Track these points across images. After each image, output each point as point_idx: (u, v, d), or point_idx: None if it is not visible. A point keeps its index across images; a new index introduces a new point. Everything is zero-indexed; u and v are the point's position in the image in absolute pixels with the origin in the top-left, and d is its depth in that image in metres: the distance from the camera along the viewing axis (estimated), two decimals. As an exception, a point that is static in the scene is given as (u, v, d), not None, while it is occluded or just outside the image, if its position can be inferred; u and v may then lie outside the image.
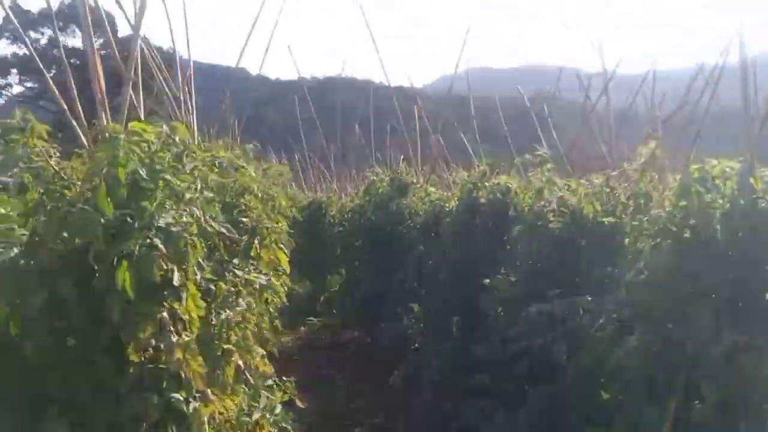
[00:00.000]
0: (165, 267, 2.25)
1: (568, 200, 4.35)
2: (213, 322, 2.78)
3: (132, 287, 2.13)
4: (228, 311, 2.86)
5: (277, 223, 3.64)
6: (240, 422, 2.72)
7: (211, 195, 2.74)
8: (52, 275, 2.14)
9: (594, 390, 3.40)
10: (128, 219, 2.24)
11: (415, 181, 7.66)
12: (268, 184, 7.11)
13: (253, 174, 3.53)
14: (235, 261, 3.04)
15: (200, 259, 2.53)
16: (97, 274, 2.20)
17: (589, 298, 3.68)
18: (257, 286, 3.16)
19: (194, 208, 2.37)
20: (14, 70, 49.65)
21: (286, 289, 6.63)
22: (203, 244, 2.66)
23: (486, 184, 5.64)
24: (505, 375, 4.48)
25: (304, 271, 12.82)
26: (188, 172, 2.46)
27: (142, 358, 2.38)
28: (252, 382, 3.00)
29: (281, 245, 3.70)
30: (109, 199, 2.16)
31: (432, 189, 6.93)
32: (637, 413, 2.95)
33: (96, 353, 2.30)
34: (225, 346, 2.82)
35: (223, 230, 2.68)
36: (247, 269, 3.23)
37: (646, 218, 3.09)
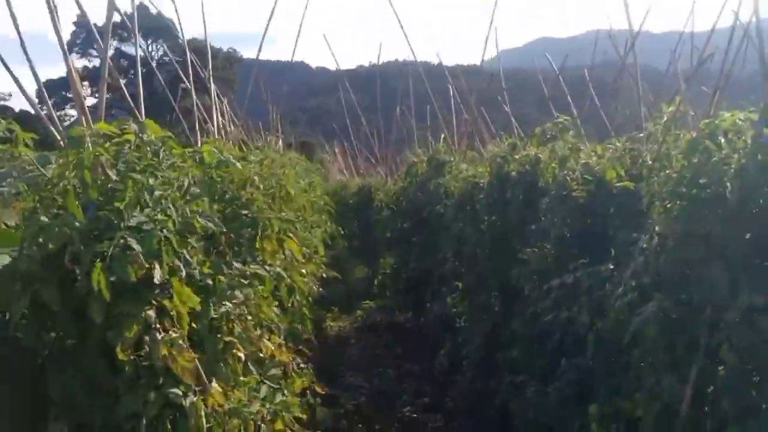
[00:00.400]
0: (144, 266, 2.27)
1: (593, 167, 4.17)
2: (213, 316, 2.80)
3: (108, 288, 2.17)
4: (228, 304, 2.88)
5: (281, 212, 3.63)
6: (238, 413, 2.74)
7: (197, 191, 2.76)
8: (34, 280, 2.20)
9: (619, 360, 3.28)
10: (103, 220, 2.27)
11: (450, 159, 7.54)
12: (295, 173, 7.19)
13: (257, 166, 3.54)
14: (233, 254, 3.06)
15: (186, 255, 2.55)
16: (78, 278, 2.25)
17: (611, 267, 3.54)
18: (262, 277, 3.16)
19: (169, 205, 2.38)
20: (86, 83, 52.15)
21: (317, 275, 6.74)
22: (192, 240, 2.68)
23: (516, 156, 5.48)
24: (537, 349, 4.39)
25: (360, 254, 12.98)
26: (164, 169, 2.48)
27: (137, 356, 2.43)
28: (254, 372, 3.01)
29: (289, 235, 3.71)
30: (79, 202, 2.21)
31: (464, 166, 6.81)
32: (657, 381, 2.82)
33: (87, 354, 2.35)
34: (226, 339, 2.84)
35: (210, 225, 2.70)
36: (252, 261, 3.26)
37: (655, 179, 2.92)
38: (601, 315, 3.47)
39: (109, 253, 2.21)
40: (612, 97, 5.72)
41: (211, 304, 2.85)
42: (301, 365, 4.80)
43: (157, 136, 2.57)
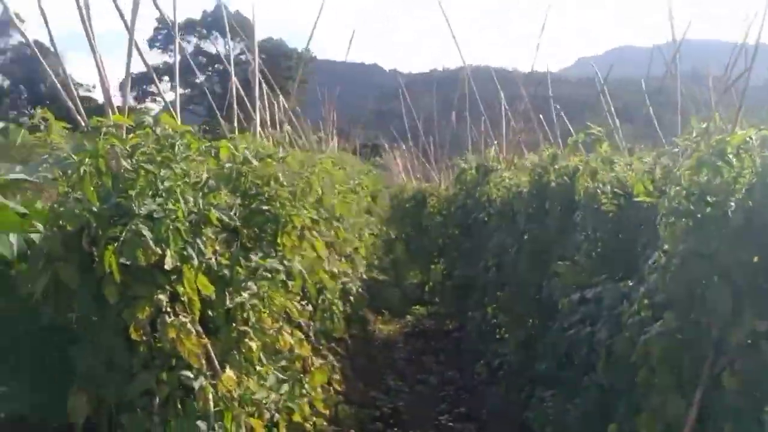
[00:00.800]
0: (155, 251, 2.44)
1: (622, 180, 4.12)
2: (228, 306, 2.96)
3: (119, 270, 2.35)
4: (245, 295, 3.03)
5: (305, 210, 3.75)
6: (250, 399, 2.88)
7: (214, 184, 2.92)
8: (55, 260, 2.41)
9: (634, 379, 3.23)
10: (119, 207, 2.46)
11: (497, 167, 7.52)
12: (344, 174, 7.32)
13: (285, 163, 3.66)
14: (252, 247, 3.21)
15: (200, 245, 2.71)
16: (96, 260, 2.45)
17: (630, 283, 3.49)
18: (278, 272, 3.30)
19: (179, 196, 2.54)
20: (166, 78, 54.52)
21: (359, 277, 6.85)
22: (207, 231, 2.83)
23: (555, 167, 5.44)
24: (566, 364, 4.35)
25: (415, 260, 13.04)
26: (179, 162, 2.64)
27: (153, 338, 2.60)
28: (266, 362, 3.14)
29: (315, 233, 3.84)
30: (95, 188, 2.40)
31: (506, 174, 6.78)
32: (661, 402, 2.78)
33: (106, 333, 2.54)
34: (241, 328, 2.99)
35: (224, 217, 2.86)
36: (272, 256, 3.40)
37: (664, 197, 2.88)
38: (619, 332, 3.43)
39: (122, 238, 2.39)
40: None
41: (227, 294, 3.02)
42: (333, 363, 4.95)
43: (176, 130, 2.74)
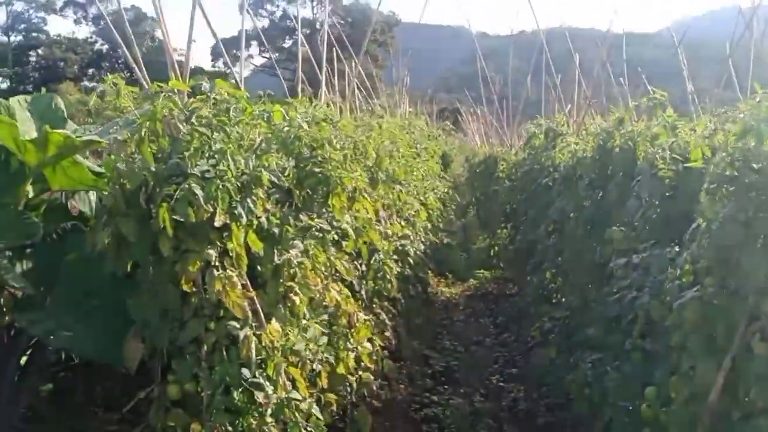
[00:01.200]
0: (205, 209, 2.64)
1: (682, 146, 4.02)
2: (276, 262, 3.15)
3: (172, 225, 2.56)
4: (293, 252, 3.21)
5: (357, 172, 3.87)
6: (294, 350, 3.07)
7: (265, 146, 3.08)
8: (116, 215, 2.65)
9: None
10: (175, 167, 2.67)
11: (565, 131, 7.39)
12: (411, 139, 7.40)
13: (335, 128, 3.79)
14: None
15: (250, 204, 2.89)
16: (153, 216, 2.67)
17: (677, 249, 3.45)
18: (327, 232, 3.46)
19: (228, 158, 2.72)
20: (254, 43, 55.77)
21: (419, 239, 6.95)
22: (258, 191, 3.01)
23: (620, 132, 5.33)
24: (614, 328, 4.35)
25: (483, 224, 13.05)
26: (233, 125, 2.82)
27: (204, 289, 2.82)
28: (309, 316, 3.32)
29: (364, 195, 3.97)
30: (152, 149, 2.61)
31: (571, 139, 6.66)
32: (692, 367, 2.79)
33: (160, 283, 2.78)
34: (287, 284, 3.18)
35: (274, 179, 3.03)
36: (321, 216, 3.56)
37: (711, 163, 2.83)
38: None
39: (175, 196, 2.60)
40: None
41: (276, 251, 3.20)
42: (385, 321, 5.12)
43: (232, 95, 2.92)
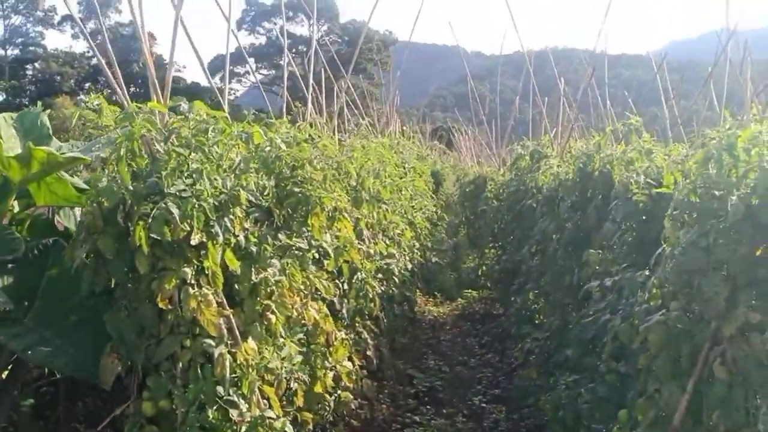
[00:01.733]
0: (182, 227, 2.70)
1: (655, 171, 4.12)
2: (254, 280, 3.20)
3: (148, 243, 2.63)
4: (270, 271, 3.26)
5: (334, 193, 3.94)
6: (268, 368, 3.11)
7: (243, 167, 3.15)
8: (94, 232, 2.70)
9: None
10: (153, 186, 2.73)
11: (549, 153, 7.50)
12: (399, 159, 7.47)
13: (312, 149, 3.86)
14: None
15: (227, 222, 2.95)
16: (131, 234, 2.73)
17: (647, 273, 3.52)
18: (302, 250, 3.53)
19: (205, 177, 2.78)
20: (252, 59, 56.09)
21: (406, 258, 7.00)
22: (236, 210, 3.07)
23: (600, 155, 5.43)
24: (591, 351, 4.41)
25: (473, 243, 13.12)
26: (210, 145, 2.89)
27: (181, 307, 2.87)
28: (284, 335, 3.36)
29: (344, 215, 4.03)
30: (135, 166, 2.68)
31: (554, 161, 6.77)
32: (657, 389, 2.85)
33: (138, 301, 2.84)
34: (264, 302, 3.23)
35: (252, 198, 3.09)
36: (300, 235, 3.63)
37: (676, 189, 2.91)
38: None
39: (152, 214, 2.66)
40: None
41: (254, 269, 3.26)
42: (367, 340, 5.16)
43: (210, 115, 2.99)
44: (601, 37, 7.86)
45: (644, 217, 4.23)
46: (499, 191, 10.09)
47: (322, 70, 7.26)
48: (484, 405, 6.12)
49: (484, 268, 10.98)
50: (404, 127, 15.75)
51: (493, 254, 10.37)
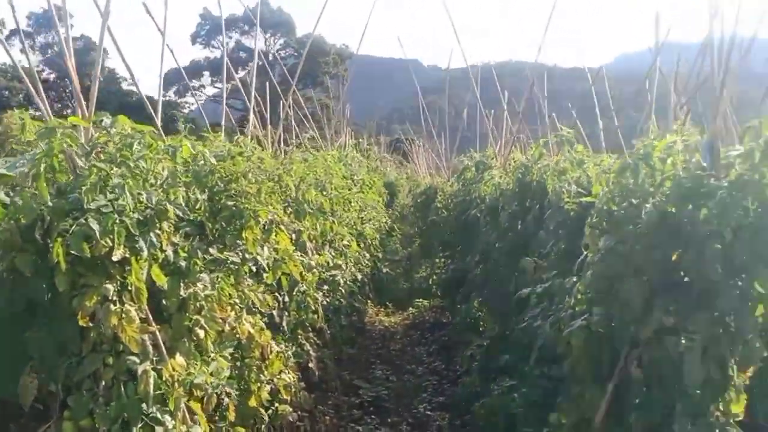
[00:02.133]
0: (103, 244, 2.65)
1: (586, 180, 4.23)
2: (182, 295, 3.16)
3: (66, 260, 2.57)
4: (199, 285, 3.23)
5: (272, 206, 3.93)
6: (196, 384, 3.07)
7: (170, 181, 3.11)
8: (12, 249, 2.63)
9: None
10: (73, 202, 2.68)
11: (492, 164, 7.62)
12: (347, 171, 7.49)
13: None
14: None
15: (153, 238, 2.90)
16: (50, 251, 2.66)
17: (574, 279, 3.61)
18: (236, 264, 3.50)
19: (127, 192, 2.74)
20: (206, 73, 55.43)
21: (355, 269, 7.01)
22: (164, 224, 3.03)
23: (537, 166, 5.55)
24: (526, 356, 4.49)
25: (425, 253, 13.20)
26: (135, 160, 2.85)
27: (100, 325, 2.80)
28: (215, 350, 3.32)
29: (281, 227, 4.02)
30: (58, 184, 2.62)
31: (495, 172, 6.89)
32: (580, 392, 2.92)
33: (58, 318, 2.76)
34: (193, 317, 3.19)
35: (179, 212, 3.06)
36: (234, 249, 3.60)
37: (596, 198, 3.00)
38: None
39: (70, 231, 2.61)
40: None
41: (182, 284, 3.21)
42: (309, 352, 5.14)
43: (135, 130, 2.95)
44: (541, 51, 8.04)
45: (574, 225, 4.34)
46: (448, 202, 10.19)
47: (267, 83, 7.24)
48: (429, 413, 6.14)
49: (434, 277, 11.06)
50: (359, 139, 15.82)
51: (443, 263, 10.46)
